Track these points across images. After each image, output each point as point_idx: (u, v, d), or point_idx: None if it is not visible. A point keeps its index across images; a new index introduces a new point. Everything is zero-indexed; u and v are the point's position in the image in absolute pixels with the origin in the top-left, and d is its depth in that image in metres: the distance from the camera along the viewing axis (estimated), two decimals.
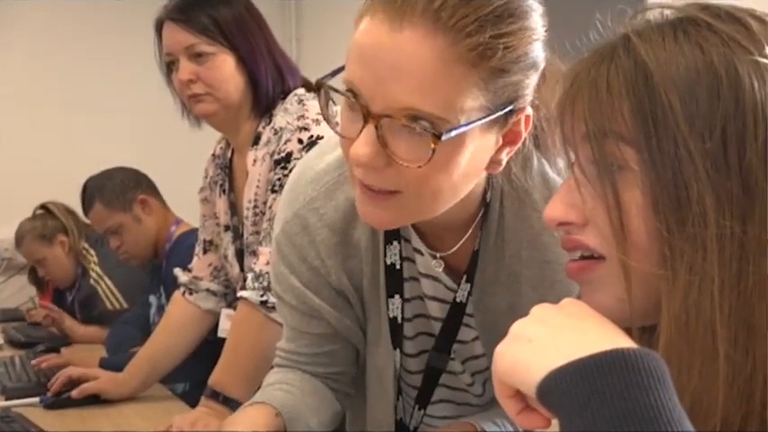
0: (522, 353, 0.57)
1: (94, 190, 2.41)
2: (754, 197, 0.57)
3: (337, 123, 0.87)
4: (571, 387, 0.52)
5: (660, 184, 0.59)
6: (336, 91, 0.82)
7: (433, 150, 0.77)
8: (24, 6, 3.69)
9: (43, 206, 2.97)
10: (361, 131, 0.79)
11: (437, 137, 0.77)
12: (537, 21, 0.82)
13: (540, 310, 0.61)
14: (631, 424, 0.48)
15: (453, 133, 0.77)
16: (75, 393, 1.72)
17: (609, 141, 0.61)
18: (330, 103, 0.87)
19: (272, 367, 1.18)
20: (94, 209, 2.40)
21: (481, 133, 0.81)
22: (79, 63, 3.75)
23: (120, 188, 2.39)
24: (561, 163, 0.96)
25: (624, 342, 0.55)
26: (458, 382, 1.09)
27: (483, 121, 0.79)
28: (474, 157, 0.82)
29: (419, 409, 1.09)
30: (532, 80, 0.83)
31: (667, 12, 0.64)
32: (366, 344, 1.08)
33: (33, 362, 2.09)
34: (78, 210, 2.99)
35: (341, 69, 0.83)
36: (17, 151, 3.58)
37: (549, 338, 0.57)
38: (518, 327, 0.60)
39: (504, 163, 0.88)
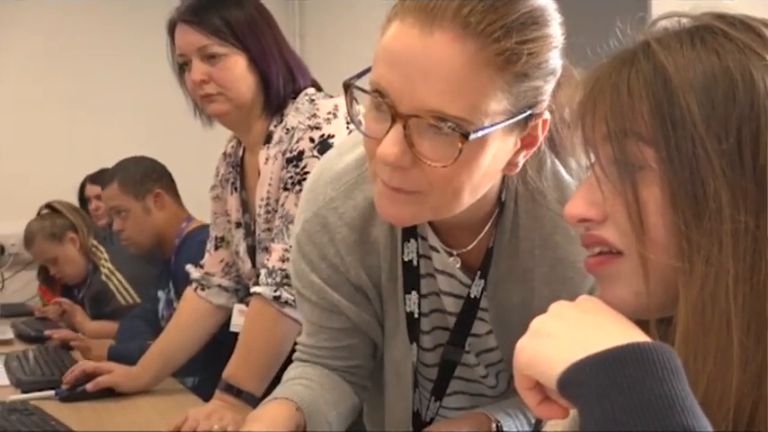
0: (542, 347, 0.61)
1: (118, 169, 2.46)
2: (767, 194, 0.59)
3: (360, 122, 0.89)
4: (591, 378, 0.55)
5: (678, 181, 0.61)
6: (364, 91, 0.84)
7: (460, 150, 0.79)
8: (28, 5, 3.71)
9: (48, 205, 2.99)
10: (388, 131, 0.81)
11: (465, 137, 0.79)
12: (557, 29, 0.85)
13: (557, 307, 0.64)
14: (647, 413, 0.52)
15: (480, 134, 0.80)
16: (89, 387, 1.73)
17: (629, 141, 0.63)
18: (354, 102, 0.89)
19: (290, 361, 1.21)
20: (111, 186, 2.43)
21: (503, 135, 0.84)
22: (82, 61, 3.76)
23: (141, 176, 2.42)
24: (574, 164, 0.99)
25: (639, 336, 0.58)
26: (472, 375, 1.11)
27: (506, 123, 0.82)
28: (494, 158, 0.85)
29: (435, 400, 1.11)
30: (550, 86, 0.86)
31: (684, 20, 0.66)
32: (384, 338, 1.11)
33: (46, 332, 2.12)
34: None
35: (367, 71, 0.85)
36: (21, 149, 3.59)
37: (567, 333, 0.60)
38: (538, 323, 0.64)
39: (520, 165, 0.91)
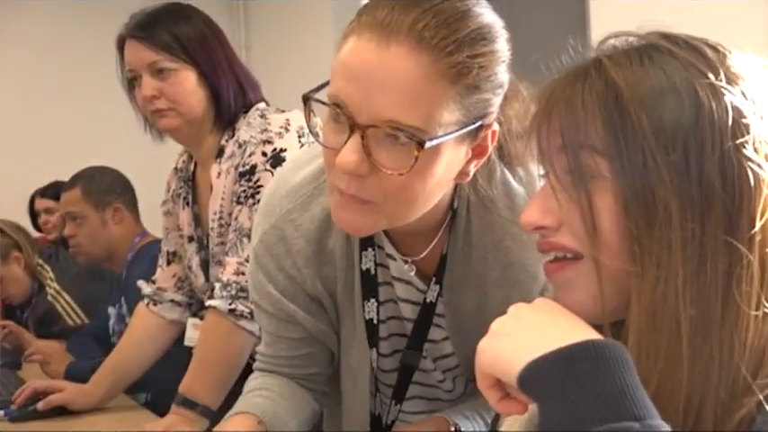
0: (502, 347, 0.64)
1: (83, 176, 2.42)
2: (712, 202, 0.63)
3: (318, 134, 0.91)
4: (548, 374, 0.59)
5: (630, 190, 0.64)
6: (324, 103, 0.86)
7: (416, 158, 0.82)
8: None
9: None
10: (346, 141, 0.83)
11: (420, 145, 0.82)
12: (504, 45, 0.89)
13: (515, 309, 0.68)
14: (601, 404, 0.55)
15: (435, 142, 0.83)
16: (40, 406, 1.71)
17: (584, 152, 0.67)
18: (312, 115, 0.91)
19: (246, 373, 1.21)
20: (73, 191, 2.40)
21: (455, 145, 0.87)
22: (27, 72, 3.68)
23: (105, 187, 2.40)
24: (522, 173, 1.03)
25: (592, 334, 0.62)
26: (430, 379, 1.13)
27: (458, 133, 0.86)
28: (447, 167, 0.88)
29: (395, 404, 1.13)
30: (499, 98, 0.90)
31: (632, 39, 0.70)
32: (340, 345, 1.12)
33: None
34: (26, 226, 2.95)
35: (325, 84, 0.87)
36: None
37: (525, 333, 0.63)
38: (497, 324, 0.67)
39: (471, 174, 0.94)
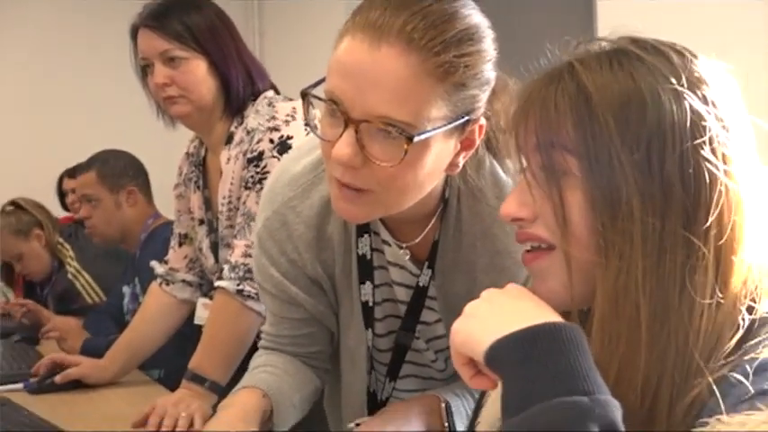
0: (472, 328, 0.70)
1: (98, 159, 2.49)
2: (671, 198, 0.67)
3: (316, 127, 0.96)
4: (510, 353, 0.64)
5: (597, 186, 0.69)
6: (320, 99, 0.92)
7: (406, 151, 0.88)
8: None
9: (13, 202, 2.98)
10: (341, 135, 0.89)
11: (409, 139, 0.88)
12: (490, 44, 0.94)
13: (487, 294, 0.74)
14: (555, 380, 0.61)
15: (423, 137, 0.88)
16: (57, 379, 1.77)
17: (555, 151, 0.71)
18: (310, 108, 0.97)
19: (253, 351, 1.27)
20: (88, 174, 2.47)
21: (443, 139, 0.93)
22: (51, 60, 3.73)
23: (119, 170, 2.46)
24: (510, 165, 1.07)
25: (552, 318, 0.67)
26: (423, 359, 1.19)
27: (446, 128, 0.91)
28: (437, 159, 0.94)
29: (390, 381, 1.19)
30: (485, 95, 0.95)
31: (604, 43, 0.74)
32: (339, 326, 1.18)
33: (11, 302, 2.14)
34: (47, 206, 3.02)
35: (322, 80, 0.93)
36: None
37: (493, 316, 0.69)
38: (470, 307, 0.73)
39: (461, 165, 0.99)
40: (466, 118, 0.93)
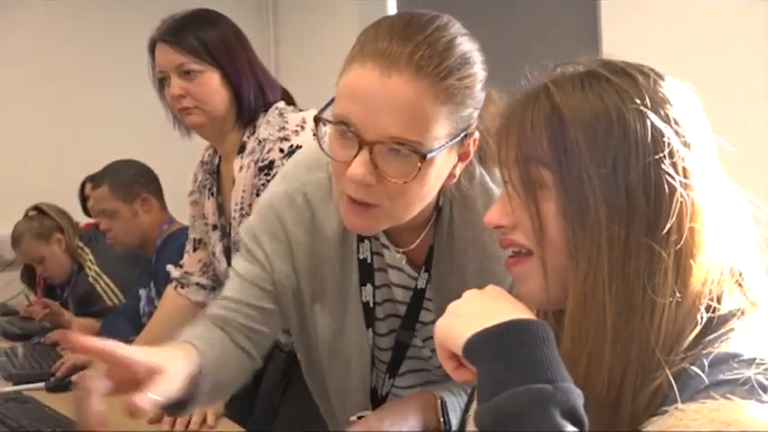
0: (453, 325, 0.77)
1: (108, 173, 2.57)
2: (635, 208, 0.73)
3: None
4: (483, 346, 0.72)
5: (568, 198, 0.75)
6: (332, 123, 0.99)
7: (419, 168, 0.96)
8: (22, 10, 3.76)
9: (36, 207, 3.06)
10: (355, 156, 0.96)
11: (423, 157, 0.96)
12: (480, 66, 1.02)
13: (467, 294, 0.81)
14: (523, 369, 0.68)
15: (434, 154, 0.97)
16: (75, 378, 1.84)
17: (532, 165, 0.78)
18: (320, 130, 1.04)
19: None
20: (101, 189, 2.55)
21: (446, 153, 1.01)
22: (72, 67, 3.80)
23: (130, 180, 2.54)
24: (498, 174, 1.14)
25: (524, 315, 0.74)
26: (420, 356, 1.25)
27: (449, 144, 0.99)
28: (439, 172, 1.03)
29: (389, 378, 1.26)
30: (477, 111, 1.03)
31: (579, 66, 0.81)
32: (341, 327, 1.24)
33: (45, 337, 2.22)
34: (69, 210, 3.11)
35: (330, 103, 1.01)
36: (5, 152, 3.64)
37: (471, 314, 0.76)
38: (452, 306, 0.80)
39: (457, 176, 1.07)
40: (464, 133, 1.01)
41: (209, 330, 1.18)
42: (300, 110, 1.80)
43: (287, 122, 1.74)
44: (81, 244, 3.00)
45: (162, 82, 1.81)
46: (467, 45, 1.00)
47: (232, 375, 1.19)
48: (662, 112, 0.75)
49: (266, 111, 1.80)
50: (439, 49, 0.97)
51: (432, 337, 1.22)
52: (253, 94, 1.80)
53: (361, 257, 1.18)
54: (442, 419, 1.18)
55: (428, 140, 0.96)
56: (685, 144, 0.75)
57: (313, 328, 1.25)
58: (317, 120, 1.02)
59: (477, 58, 1.01)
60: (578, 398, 0.67)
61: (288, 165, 1.25)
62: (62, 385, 1.85)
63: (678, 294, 0.73)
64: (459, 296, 1.14)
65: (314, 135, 1.62)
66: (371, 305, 1.20)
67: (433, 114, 0.96)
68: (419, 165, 0.96)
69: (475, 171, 1.14)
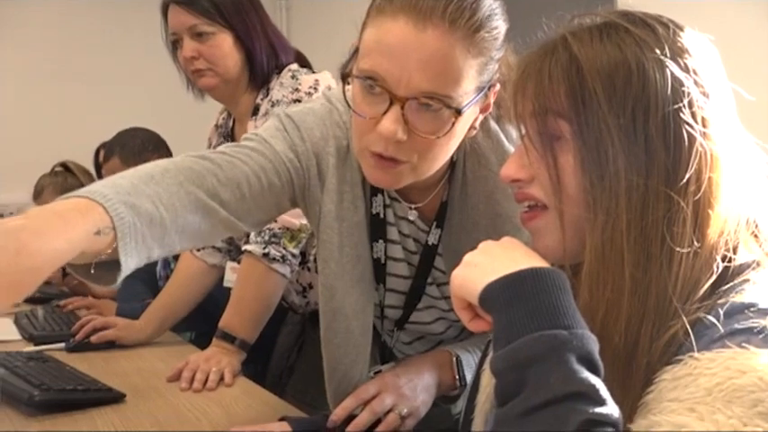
0: (469, 274, 0.77)
1: (116, 144, 2.56)
2: (653, 158, 0.73)
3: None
4: (499, 293, 0.72)
5: (586, 148, 0.75)
6: (362, 78, 0.96)
7: (453, 123, 0.95)
8: None
9: (63, 164, 3.07)
10: (386, 111, 0.95)
11: (458, 112, 0.95)
12: (503, 18, 1.01)
13: (483, 245, 0.81)
14: (538, 316, 0.68)
15: (467, 109, 0.95)
16: (94, 339, 1.87)
17: (550, 117, 0.77)
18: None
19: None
20: (112, 161, 2.55)
21: (473, 107, 1.00)
22: (87, 40, 3.79)
23: (138, 148, 2.53)
24: (512, 131, 1.13)
25: (539, 263, 0.74)
26: (439, 306, 1.25)
27: (478, 97, 0.99)
28: (465, 126, 1.02)
29: (397, 330, 1.26)
30: (498, 64, 1.01)
31: (597, 17, 0.80)
32: (352, 282, 1.21)
33: (62, 302, 2.29)
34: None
35: (352, 58, 0.99)
36: (21, 124, 3.65)
37: (487, 263, 0.76)
38: (468, 256, 0.80)
39: (478, 127, 1.06)
40: (488, 86, 1.00)
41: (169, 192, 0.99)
42: (313, 71, 1.80)
43: (300, 84, 1.74)
44: None
45: (175, 44, 1.81)
46: None
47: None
48: (681, 62, 0.74)
49: (279, 73, 1.81)
50: (470, 1, 0.95)
51: (446, 284, 1.23)
52: (265, 56, 1.80)
53: (374, 212, 1.17)
54: (456, 376, 1.19)
55: (459, 95, 0.95)
56: (704, 94, 0.74)
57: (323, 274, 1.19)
58: (345, 76, 1.00)
59: (500, 10, 1.00)
60: (594, 344, 0.67)
61: (323, 91, 1.20)
62: (81, 345, 1.88)
63: (697, 244, 0.73)
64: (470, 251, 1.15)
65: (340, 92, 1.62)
66: (383, 261, 1.20)
67: (465, 68, 0.94)
68: (453, 120, 0.95)
69: (490, 126, 1.13)
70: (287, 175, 1.10)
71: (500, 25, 0.98)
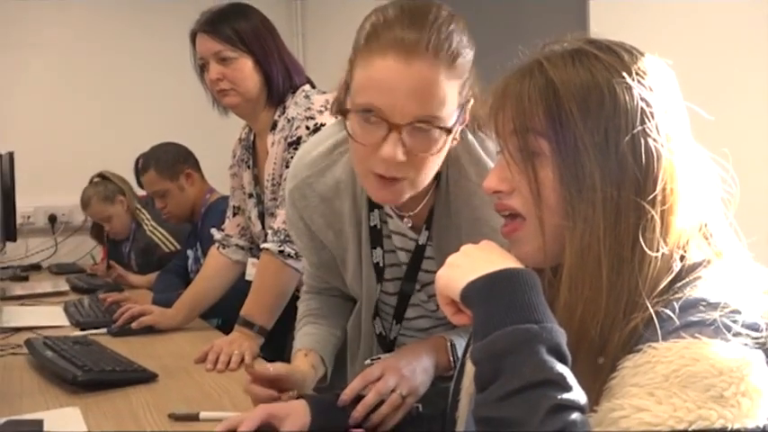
0: (452, 274, 0.76)
1: (151, 158, 2.58)
2: (625, 171, 0.71)
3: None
4: (478, 292, 0.71)
5: (564, 164, 0.73)
6: (361, 113, 0.96)
7: (445, 141, 0.96)
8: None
9: (100, 174, 3.12)
10: (385, 138, 0.94)
11: (449, 131, 0.96)
12: (471, 41, 0.99)
13: (464, 248, 0.79)
14: (511, 312, 0.67)
15: (457, 126, 0.96)
16: (134, 325, 1.87)
17: (529, 135, 0.75)
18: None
19: (295, 299, 1.39)
20: (149, 174, 2.57)
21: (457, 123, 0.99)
22: (129, 60, 3.74)
23: (172, 161, 2.55)
24: (488, 141, 1.11)
25: (514, 265, 0.72)
26: (427, 306, 1.25)
27: (460, 113, 0.99)
28: (451, 139, 1.00)
29: (396, 324, 1.25)
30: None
31: (565, 44, 0.78)
32: (359, 283, 1.23)
33: (101, 295, 2.29)
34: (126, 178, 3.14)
35: (344, 98, 1.00)
36: (69, 136, 3.63)
37: (468, 264, 0.75)
38: (451, 258, 0.79)
39: (458, 138, 1.04)
40: (465, 101, 1.00)
41: (311, 302, 1.35)
42: (324, 92, 1.79)
43: (312, 103, 1.73)
44: (139, 206, 3.06)
45: (202, 68, 1.80)
46: (460, 22, 0.98)
47: (341, 318, 1.34)
48: (646, 85, 0.72)
49: (294, 93, 1.79)
50: (447, 33, 0.94)
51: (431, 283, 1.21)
52: (281, 78, 1.79)
53: (372, 224, 1.17)
54: (451, 359, 1.18)
55: (446, 115, 0.95)
56: (666, 112, 0.73)
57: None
58: (344, 112, 0.99)
59: (467, 35, 0.99)
60: (562, 336, 0.66)
61: (292, 163, 1.24)
62: (122, 331, 1.87)
63: (664, 247, 0.71)
64: (455, 251, 1.13)
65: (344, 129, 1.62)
66: (381, 265, 1.19)
67: (449, 91, 0.94)
68: (445, 138, 0.95)
69: (467, 137, 1.11)
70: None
71: (470, 47, 0.99)
